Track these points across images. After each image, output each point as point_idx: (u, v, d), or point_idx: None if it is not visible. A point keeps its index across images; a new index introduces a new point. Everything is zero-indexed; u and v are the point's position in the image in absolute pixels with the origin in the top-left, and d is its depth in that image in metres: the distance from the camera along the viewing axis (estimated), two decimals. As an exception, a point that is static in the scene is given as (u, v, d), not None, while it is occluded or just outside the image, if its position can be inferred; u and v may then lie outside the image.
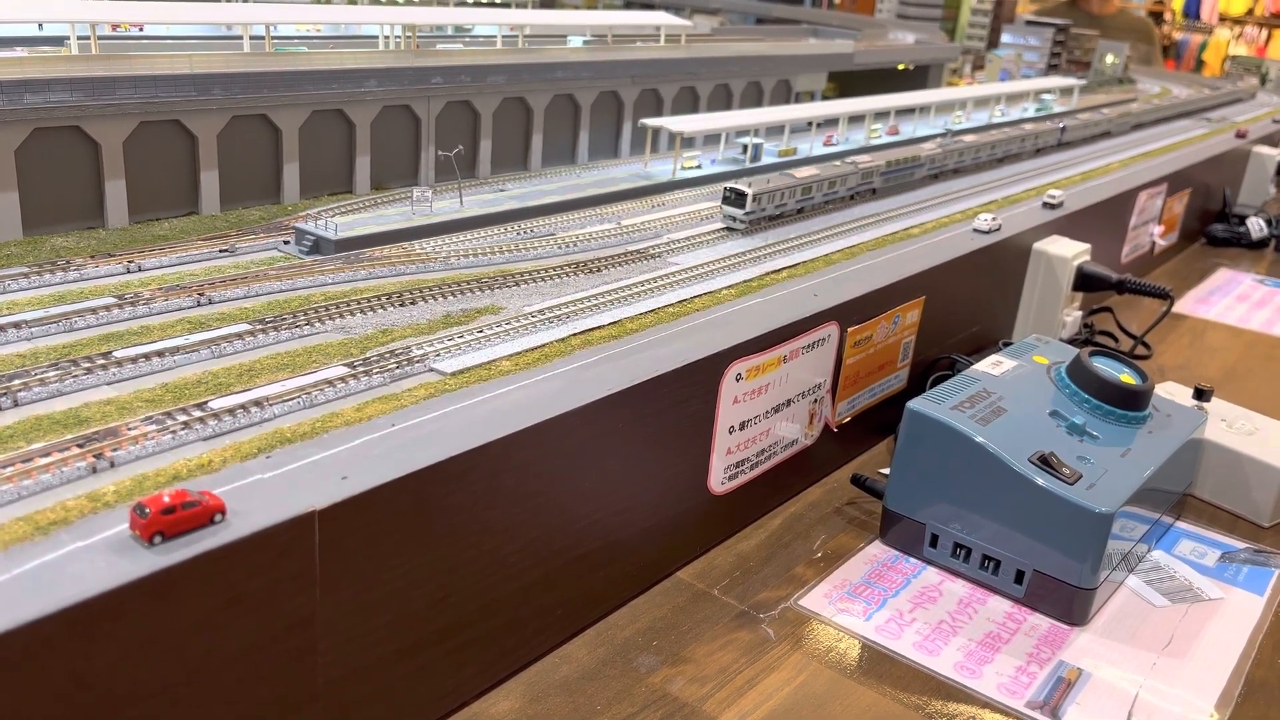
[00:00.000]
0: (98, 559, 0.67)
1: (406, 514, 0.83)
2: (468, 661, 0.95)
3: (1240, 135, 3.17)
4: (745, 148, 2.00)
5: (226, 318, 1.08)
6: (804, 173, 1.70)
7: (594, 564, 1.07)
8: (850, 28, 3.35)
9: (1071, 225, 1.94)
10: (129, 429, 0.83)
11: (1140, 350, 1.98)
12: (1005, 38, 4.09)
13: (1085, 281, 1.85)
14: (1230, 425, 1.48)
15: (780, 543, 1.27)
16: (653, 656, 1.05)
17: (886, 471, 1.31)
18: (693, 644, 1.07)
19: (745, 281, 1.36)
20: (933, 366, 1.62)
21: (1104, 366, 1.33)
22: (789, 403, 1.29)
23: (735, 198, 1.60)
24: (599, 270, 1.36)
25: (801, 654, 1.08)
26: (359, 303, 1.14)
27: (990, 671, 1.07)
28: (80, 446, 0.79)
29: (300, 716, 0.81)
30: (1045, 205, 1.96)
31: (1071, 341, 1.80)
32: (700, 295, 1.29)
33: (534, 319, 1.16)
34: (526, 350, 1.07)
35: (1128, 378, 1.32)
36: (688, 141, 2.05)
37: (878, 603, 1.17)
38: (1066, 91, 3.36)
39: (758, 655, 1.07)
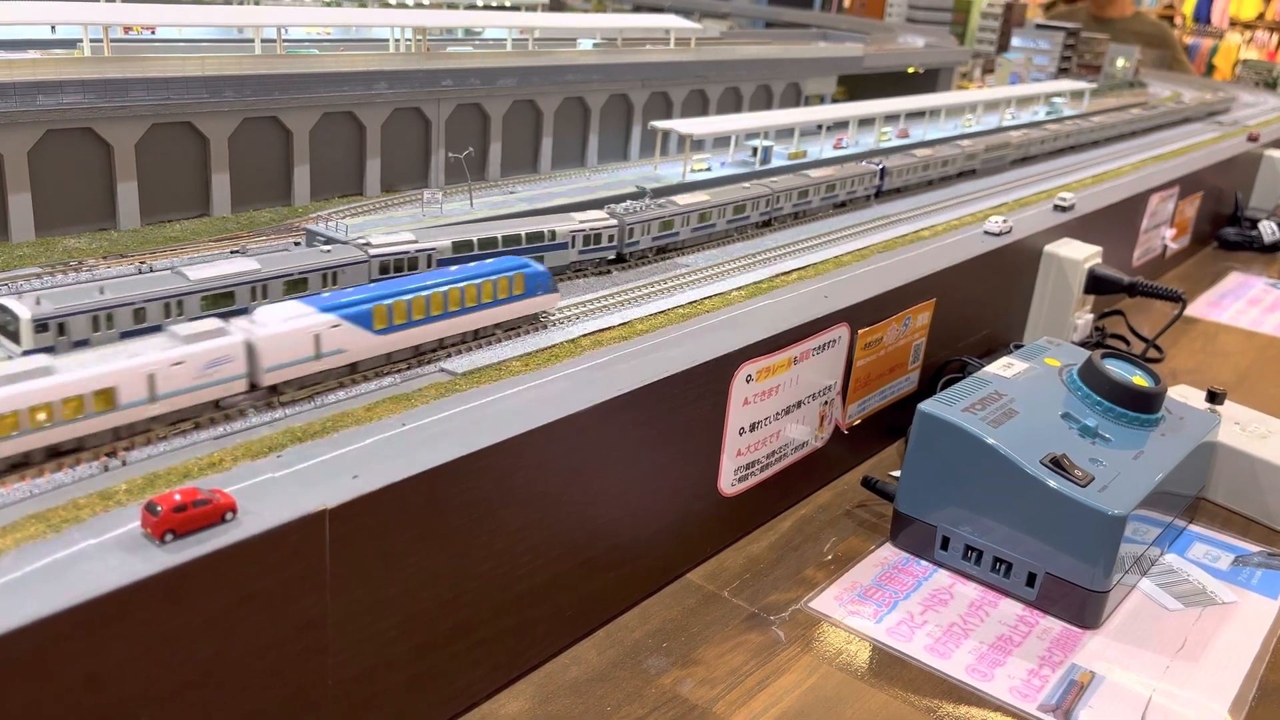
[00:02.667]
0: (110, 557, 0.67)
1: (417, 514, 0.83)
2: (478, 662, 0.95)
3: (1252, 139, 3.16)
4: (755, 150, 1.99)
5: (237, 318, 1.08)
6: (199, 273, 0.97)
7: (604, 565, 1.06)
8: (859, 31, 3.35)
9: (1083, 228, 1.93)
10: (140, 427, 0.83)
11: (1152, 353, 1.97)
12: (1015, 41, 4.08)
13: (1096, 284, 1.84)
14: (1243, 428, 1.47)
15: (790, 545, 1.26)
16: (663, 658, 1.04)
17: (897, 474, 1.30)
18: (703, 646, 1.07)
19: (755, 283, 1.36)
20: (943, 369, 1.61)
21: (1116, 369, 1.32)
22: (799, 405, 1.29)
23: (8, 321, 0.87)
24: (608, 272, 1.36)
25: (812, 656, 1.07)
26: (369, 303, 1.14)
27: (1002, 674, 1.07)
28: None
29: (310, 717, 0.81)
30: (1056, 208, 1.95)
31: (1083, 344, 1.79)
32: (710, 296, 1.29)
33: (543, 319, 1.16)
34: (537, 351, 1.07)
35: (1140, 380, 1.32)
36: (697, 144, 2.05)
37: (889, 605, 1.16)
38: (1077, 95, 3.35)
39: (768, 657, 1.06)
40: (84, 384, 0.77)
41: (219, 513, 0.71)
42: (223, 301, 0.97)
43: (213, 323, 0.87)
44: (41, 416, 0.75)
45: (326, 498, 0.76)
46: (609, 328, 1.16)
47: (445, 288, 1.02)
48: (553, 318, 1.16)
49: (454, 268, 1.09)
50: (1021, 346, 1.48)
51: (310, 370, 0.91)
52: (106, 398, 0.78)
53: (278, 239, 1.34)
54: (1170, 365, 1.97)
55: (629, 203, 1.44)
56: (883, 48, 3.07)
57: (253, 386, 0.88)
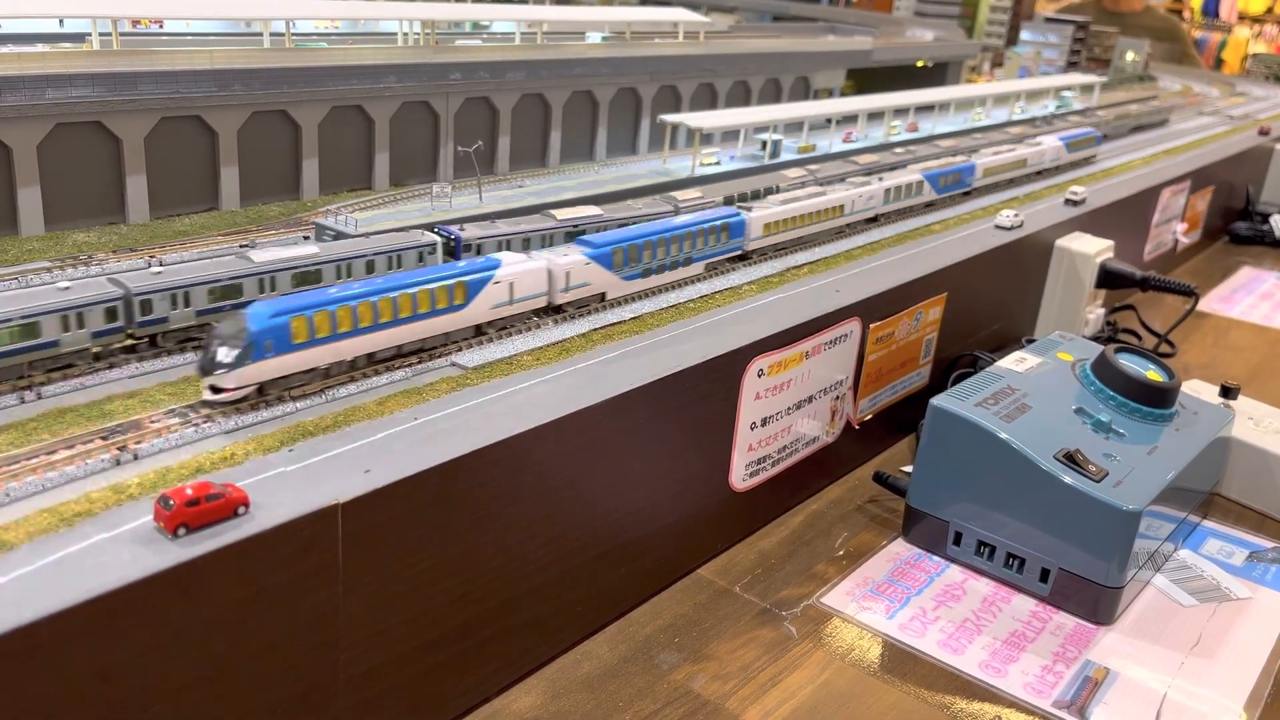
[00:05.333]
0: (122, 551, 0.67)
1: (429, 508, 0.83)
2: (489, 657, 0.95)
3: (1263, 133, 3.14)
4: (764, 144, 1.99)
5: (248, 312, 1.07)
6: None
7: (615, 560, 1.06)
8: (868, 25, 3.33)
9: (1094, 222, 1.92)
10: (152, 421, 0.82)
11: (1164, 348, 1.96)
12: (1024, 35, 4.06)
13: (1108, 279, 1.83)
14: (1257, 424, 1.46)
15: (802, 540, 1.26)
16: (674, 654, 1.04)
17: (908, 469, 1.30)
18: (714, 641, 1.06)
19: (766, 277, 1.35)
20: (955, 364, 1.61)
21: (1130, 363, 1.31)
22: (811, 399, 1.28)
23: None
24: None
25: (824, 652, 1.07)
26: (380, 297, 1.14)
27: (1016, 670, 1.06)
28: (104, 439, 0.79)
29: (321, 711, 0.80)
30: (1068, 202, 1.94)
31: (1094, 339, 1.78)
32: (722, 290, 1.28)
33: (554, 313, 1.15)
34: (548, 345, 1.07)
35: (1154, 375, 1.31)
36: (706, 138, 2.05)
37: (901, 601, 1.16)
38: (1087, 89, 3.33)
39: (780, 653, 1.06)
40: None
41: (231, 507, 0.71)
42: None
43: None
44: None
45: (339, 492, 0.76)
46: (620, 322, 1.15)
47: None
48: (564, 311, 1.16)
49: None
50: (1034, 341, 1.47)
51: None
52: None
53: (288, 233, 1.34)
54: (1182, 360, 1.96)
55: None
56: (891, 41, 3.06)
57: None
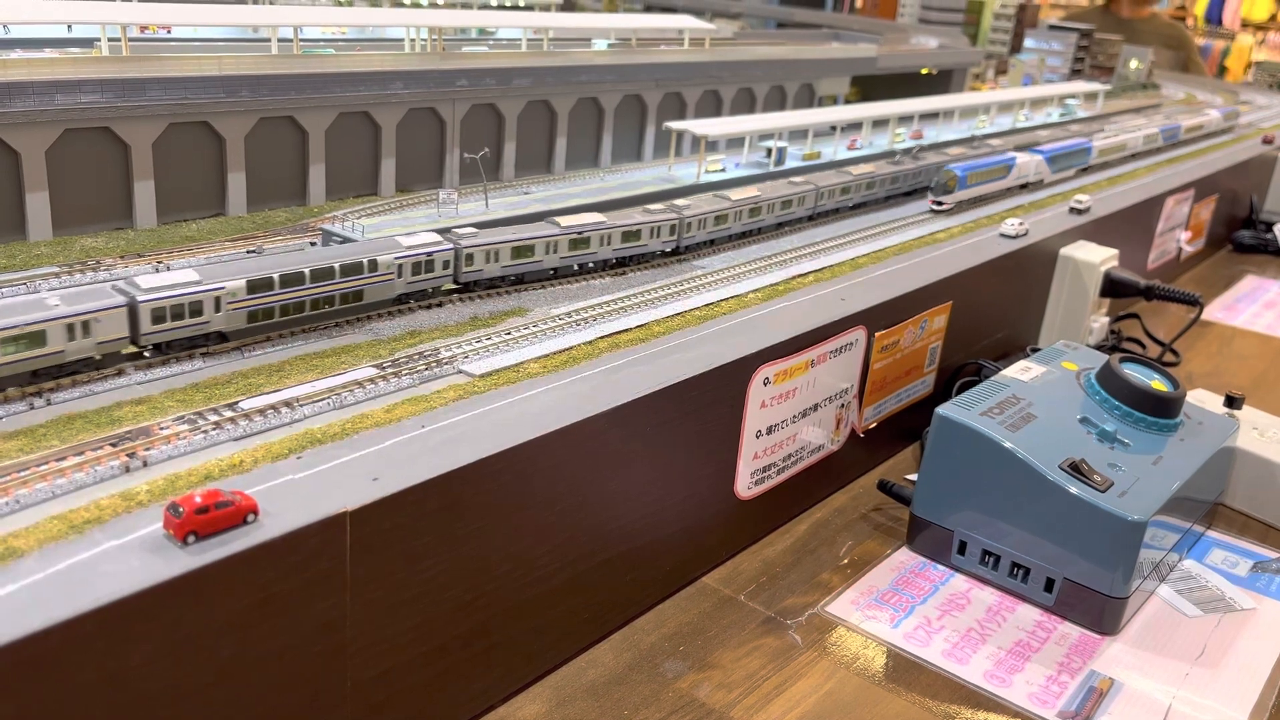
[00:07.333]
0: (132, 558, 0.67)
1: (437, 516, 0.83)
2: (495, 664, 0.95)
3: (1267, 141, 3.14)
4: (769, 151, 1.99)
5: (255, 318, 1.08)
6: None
7: (621, 568, 1.06)
8: (872, 32, 3.34)
9: (1098, 231, 1.92)
10: (161, 428, 0.83)
11: (1168, 357, 1.96)
12: (1028, 42, 4.06)
13: (1113, 287, 1.83)
14: (1262, 434, 1.46)
15: (806, 549, 1.26)
16: (679, 662, 1.04)
17: (913, 478, 1.30)
18: (719, 649, 1.07)
19: (772, 285, 1.36)
20: (959, 372, 1.61)
21: (1135, 373, 1.31)
22: (816, 408, 1.28)
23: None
24: (624, 273, 1.36)
25: (829, 661, 1.07)
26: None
27: (1020, 680, 1.06)
28: (113, 446, 0.79)
29: (329, 718, 0.81)
30: (1072, 210, 1.94)
31: (1099, 348, 1.78)
32: (727, 298, 1.29)
33: (561, 321, 1.16)
34: (554, 353, 1.07)
35: (1159, 384, 1.31)
36: (711, 145, 2.05)
37: (905, 610, 1.16)
38: (1091, 97, 3.34)
39: (785, 662, 1.06)
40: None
41: (241, 514, 0.71)
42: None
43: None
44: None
45: (347, 499, 0.76)
46: (626, 330, 1.15)
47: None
48: (569, 319, 1.16)
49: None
50: (1038, 350, 1.47)
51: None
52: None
53: (294, 239, 1.34)
54: (1186, 369, 1.96)
55: None
56: (895, 48, 3.06)
57: None
